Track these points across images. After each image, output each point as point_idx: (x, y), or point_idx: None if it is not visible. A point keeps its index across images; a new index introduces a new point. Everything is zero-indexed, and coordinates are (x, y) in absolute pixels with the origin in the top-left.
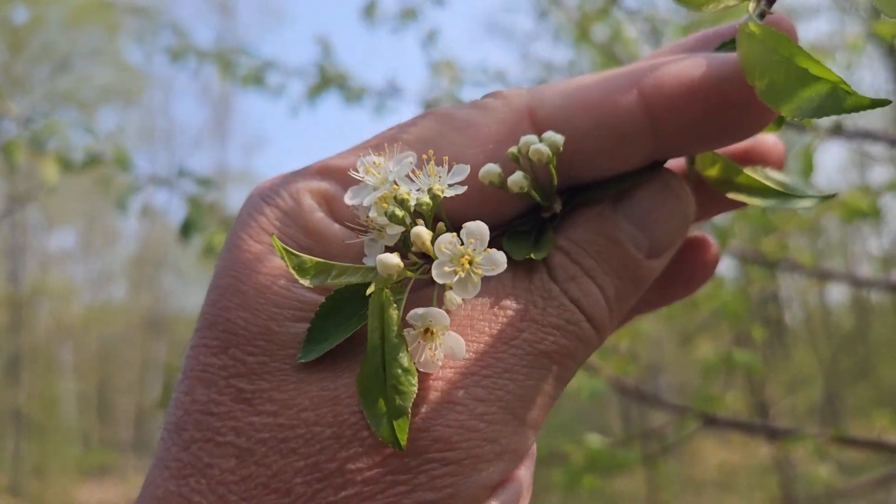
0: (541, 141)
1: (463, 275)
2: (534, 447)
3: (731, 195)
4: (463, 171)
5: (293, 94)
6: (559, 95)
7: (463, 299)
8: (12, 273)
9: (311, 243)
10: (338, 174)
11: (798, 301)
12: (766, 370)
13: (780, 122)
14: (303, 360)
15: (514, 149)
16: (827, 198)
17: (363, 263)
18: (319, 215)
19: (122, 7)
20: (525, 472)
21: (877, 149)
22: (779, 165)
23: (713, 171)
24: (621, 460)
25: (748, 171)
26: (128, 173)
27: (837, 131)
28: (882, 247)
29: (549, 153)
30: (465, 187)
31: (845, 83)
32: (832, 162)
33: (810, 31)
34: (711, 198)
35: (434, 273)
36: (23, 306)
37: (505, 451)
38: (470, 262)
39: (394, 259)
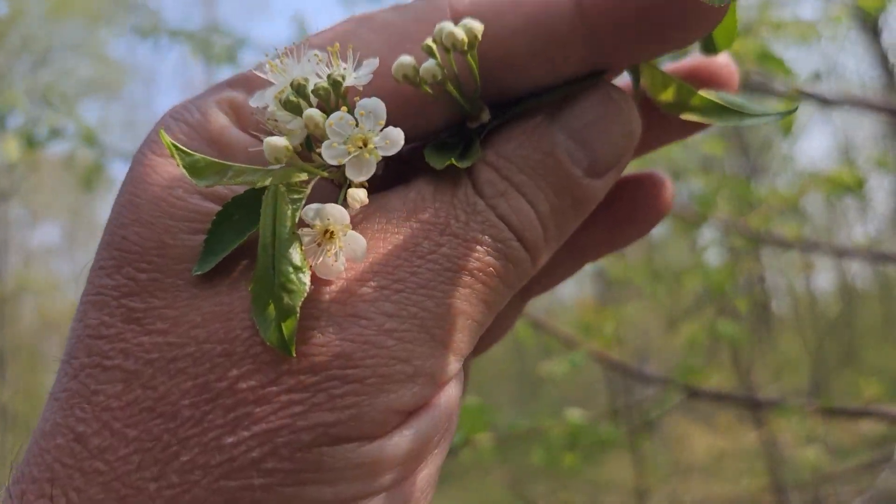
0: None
1: (356, 153)
2: (460, 377)
3: (686, 116)
4: (371, 64)
5: None
6: None
7: (367, 197)
8: None
9: (217, 154)
10: (248, 83)
11: (784, 288)
12: (752, 354)
13: (731, 36)
14: (198, 272)
15: (428, 40)
16: (787, 113)
17: None
18: (224, 124)
19: None
20: (447, 402)
21: (860, 135)
22: (732, 87)
23: (666, 95)
24: (605, 436)
25: (702, 92)
26: (94, 149)
27: (817, 79)
28: (867, 233)
29: (465, 38)
30: (371, 76)
31: None
32: (816, 150)
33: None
34: (661, 123)
35: (324, 153)
36: (7, 302)
37: (418, 373)
38: (365, 143)
39: (281, 141)
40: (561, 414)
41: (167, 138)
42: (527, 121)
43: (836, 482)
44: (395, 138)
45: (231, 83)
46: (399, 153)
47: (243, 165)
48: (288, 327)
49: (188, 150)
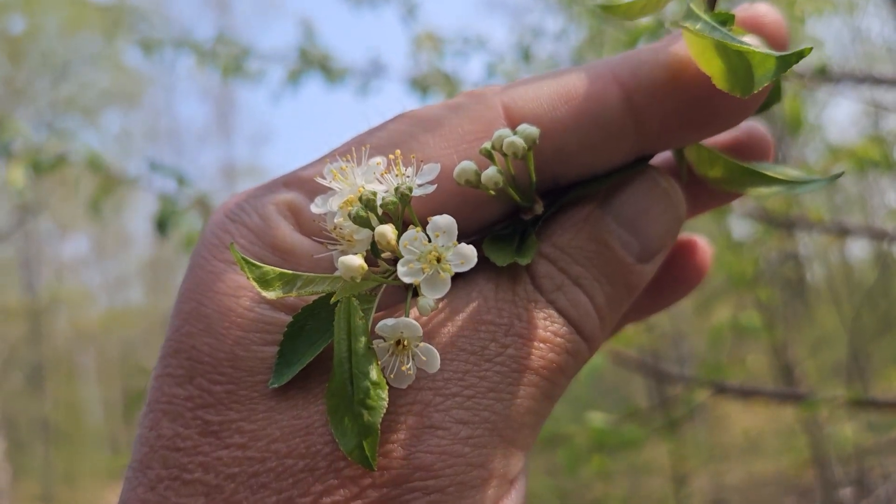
0: (515, 134)
1: (431, 272)
2: (524, 469)
3: (735, 189)
4: (433, 170)
5: (274, 79)
6: (536, 89)
7: (437, 303)
8: (28, 283)
9: (280, 261)
10: (306, 184)
11: (818, 259)
12: (786, 331)
13: (774, 97)
14: (275, 385)
15: (487, 144)
16: (833, 178)
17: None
18: (286, 230)
19: (115, 8)
20: (516, 497)
21: (890, 97)
22: (768, 157)
23: (714, 171)
24: (629, 437)
25: (748, 165)
26: (100, 174)
27: (822, 74)
28: None
29: (525, 146)
30: (435, 186)
31: (767, 54)
32: (844, 114)
33: None
34: (705, 193)
35: (399, 272)
36: (41, 315)
37: (493, 475)
38: (438, 259)
39: (356, 260)
40: (584, 418)
41: (238, 253)
42: (579, 210)
43: (878, 454)
44: (469, 256)
45: (287, 183)
46: None
47: (311, 275)
48: (369, 444)
49: (256, 263)
